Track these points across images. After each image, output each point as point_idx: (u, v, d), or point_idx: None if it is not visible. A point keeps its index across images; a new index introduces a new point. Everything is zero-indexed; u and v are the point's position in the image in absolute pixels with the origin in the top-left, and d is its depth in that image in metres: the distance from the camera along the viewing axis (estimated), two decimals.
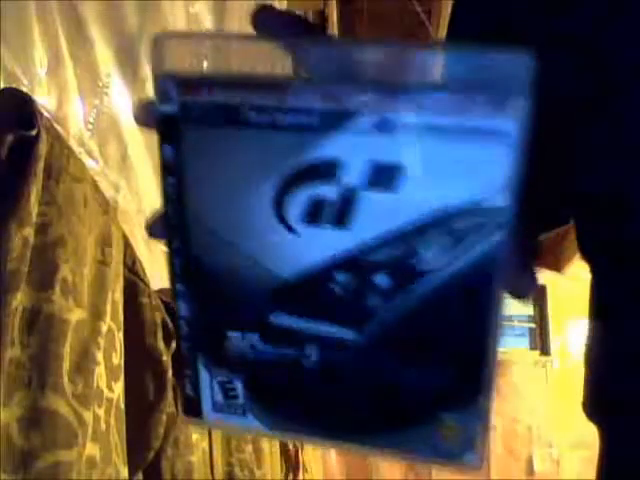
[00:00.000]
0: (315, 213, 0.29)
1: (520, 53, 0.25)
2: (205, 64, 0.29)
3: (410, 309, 0.30)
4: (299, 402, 0.33)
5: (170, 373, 1.07)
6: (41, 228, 0.75)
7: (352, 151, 0.28)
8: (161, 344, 1.06)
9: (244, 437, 1.63)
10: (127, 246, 1.00)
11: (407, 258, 0.29)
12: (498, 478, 5.03)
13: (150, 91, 0.30)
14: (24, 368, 0.71)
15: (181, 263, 0.32)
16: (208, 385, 0.34)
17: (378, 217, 0.28)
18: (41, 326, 0.73)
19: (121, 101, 1.23)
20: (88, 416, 0.79)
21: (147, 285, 1.06)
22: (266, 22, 0.30)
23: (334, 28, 3.24)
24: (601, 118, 0.41)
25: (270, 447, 1.95)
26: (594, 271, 0.46)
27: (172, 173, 0.30)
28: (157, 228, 0.33)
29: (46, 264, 0.75)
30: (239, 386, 0.34)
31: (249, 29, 0.32)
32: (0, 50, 0.83)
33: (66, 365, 0.76)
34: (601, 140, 0.42)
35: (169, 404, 1.07)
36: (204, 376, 0.34)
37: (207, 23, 1.77)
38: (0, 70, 0.82)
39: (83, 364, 0.80)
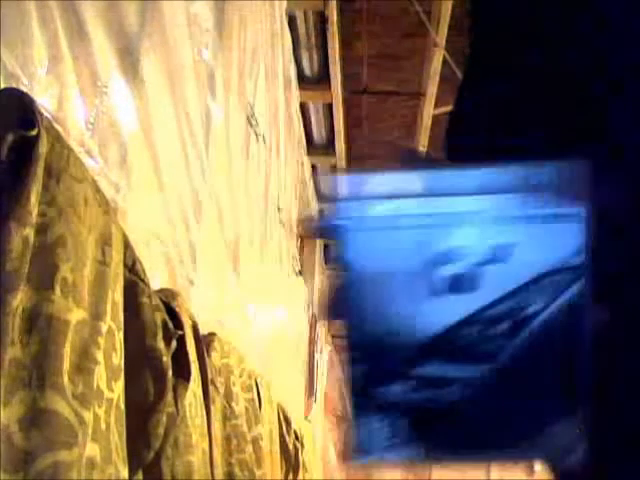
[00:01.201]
0: (453, 284, 0.42)
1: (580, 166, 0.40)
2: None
3: (523, 347, 0.42)
4: (442, 434, 0.44)
5: (170, 373, 1.07)
6: (41, 228, 0.75)
7: (475, 239, 0.42)
8: (161, 344, 1.06)
9: (244, 437, 1.63)
10: (127, 246, 1.00)
11: (519, 308, 0.42)
12: (498, 478, 5.03)
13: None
14: (24, 368, 0.71)
15: (355, 335, 0.44)
16: (369, 429, 0.45)
17: (497, 282, 0.42)
18: (41, 326, 0.73)
19: (121, 101, 1.23)
20: (88, 416, 0.79)
21: (147, 285, 1.06)
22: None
23: (334, 28, 3.23)
24: (602, 117, 0.41)
25: (270, 447, 1.95)
26: None
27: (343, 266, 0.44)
28: (336, 309, 0.44)
29: (46, 264, 0.75)
30: (395, 427, 0.44)
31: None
32: (0, 50, 0.83)
33: (66, 365, 0.76)
34: (602, 139, 0.42)
35: (169, 404, 1.07)
36: (366, 421, 0.44)
37: (207, 23, 1.77)
38: (0, 70, 0.82)
39: (83, 364, 0.80)
